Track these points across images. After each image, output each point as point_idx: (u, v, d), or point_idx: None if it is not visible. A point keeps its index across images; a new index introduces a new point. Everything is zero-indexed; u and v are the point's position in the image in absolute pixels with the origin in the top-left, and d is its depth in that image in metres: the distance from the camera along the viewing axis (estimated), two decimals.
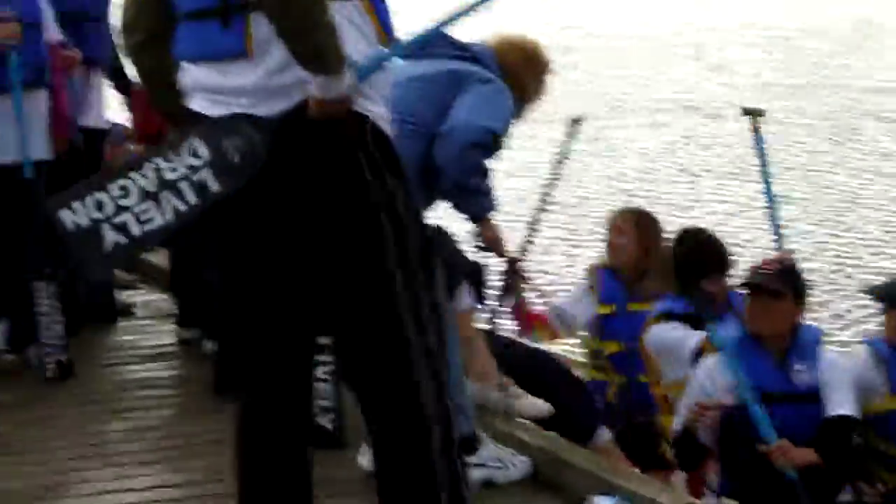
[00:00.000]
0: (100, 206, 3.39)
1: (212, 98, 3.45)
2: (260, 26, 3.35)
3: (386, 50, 3.49)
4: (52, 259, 5.88)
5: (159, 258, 7.40)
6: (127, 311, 6.96)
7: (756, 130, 5.86)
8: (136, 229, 3.40)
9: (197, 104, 3.49)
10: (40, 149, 5.88)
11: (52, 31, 5.97)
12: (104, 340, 6.63)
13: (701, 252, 5.46)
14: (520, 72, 4.91)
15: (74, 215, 3.41)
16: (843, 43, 20.06)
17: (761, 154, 5.87)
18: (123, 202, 3.39)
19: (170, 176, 3.38)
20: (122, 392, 5.87)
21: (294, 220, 3.42)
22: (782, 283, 4.83)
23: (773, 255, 5.45)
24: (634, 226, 5.83)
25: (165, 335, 6.56)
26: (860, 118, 14.19)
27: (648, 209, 6.38)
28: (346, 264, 3.42)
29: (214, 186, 3.37)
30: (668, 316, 5.38)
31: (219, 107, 3.42)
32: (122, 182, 3.40)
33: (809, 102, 15.12)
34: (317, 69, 3.28)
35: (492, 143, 4.62)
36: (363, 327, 3.45)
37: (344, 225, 3.40)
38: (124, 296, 7.11)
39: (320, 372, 4.51)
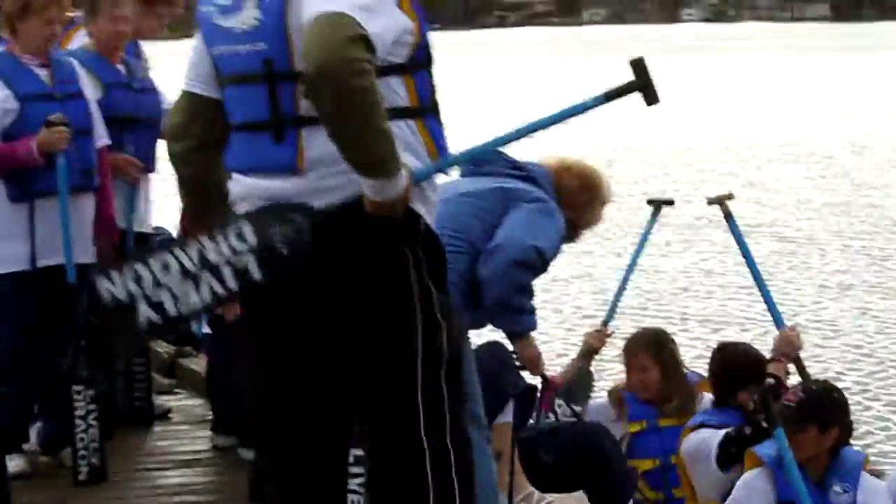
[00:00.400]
0: (139, 279, 3.40)
1: (259, 203, 3.47)
2: (312, 141, 3.40)
3: (441, 160, 3.54)
4: (92, 363, 5.89)
5: (197, 363, 7.43)
6: (164, 415, 6.95)
7: (728, 217, 5.89)
8: (171, 309, 3.40)
9: (243, 209, 3.51)
10: (85, 252, 5.90)
11: (101, 136, 6.01)
12: (140, 445, 6.62)
13: (737, 365, 5.47)
14: (575, 196, 4.93)
15: (113, 286, 3.41)
16: (887, 162, 20.06)
17: (738, 237, 5.93)
18: (163, 279, 3.39)
19: (212, 257, 3.38)
20: (155, 498, 5.84)
21: (328, 307, 3.43)
22: (803, 415, 4.80)
23: (796, 386, 5.41)
24: (654, 359, 5.79)
25: (201, 441, 6.54)
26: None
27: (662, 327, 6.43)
28: (374, 353, 3.44)
29: (256, 274, 3.37)
30: (702, 426, 5.37)
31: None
32: (164, 258, 3.41)
33: (847, 220, 15.11)
34: (373, 175, 3.30)
35: (538, 262, 4.63)
36: (380, 419, 3.49)
37: (377, 314, 3.43)
38: (161, 400, 7.10)
39: (353, 484, 4.51)
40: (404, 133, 3.44)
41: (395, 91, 3.44)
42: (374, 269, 3.39)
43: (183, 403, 7.28)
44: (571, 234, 4.91)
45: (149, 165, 6.51)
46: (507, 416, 4.96)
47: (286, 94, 3.42)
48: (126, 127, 6.31)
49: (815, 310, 11.12)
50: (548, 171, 4.86)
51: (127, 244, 6.34)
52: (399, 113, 3.42)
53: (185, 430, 6.83)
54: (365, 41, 3.25)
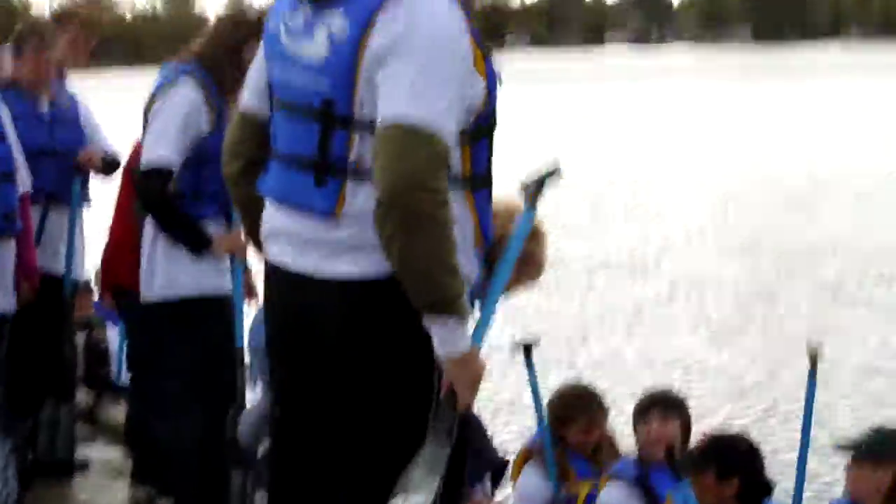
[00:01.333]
0: None
1: (289, 244, 3.35)
2: (356, 194, 3.20)
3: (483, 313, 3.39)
4: (11, 413, 5.90)
5: (117, 411, 7.46)
6: (83, 466, 6.92)
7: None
8: None
9: (275, 249, 3.42)
10: (6, 302, 5.82)
11: (24, 181, 5.92)
12: (58, 496, 6.60)
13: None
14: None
15: None
16: (791, 200, 19.76)
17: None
18: None
19: None
20: None
21: (346, 371, 3.30)
22: (702, 459, 4.88)
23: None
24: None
25: (121, 491, 6.49)
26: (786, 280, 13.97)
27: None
28: (384, 423, 3.31)
29: None
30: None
31: (298, 255, 3.31)
32: None
33: (742, 261, 14.95)
34: (437, 312, 3.09)
35: None
36: (371, 488, 3.34)
37: (395, 387, 3.28)
38: (81, 449, 7.04)
39: None
40: (455, 202, 3.16)
41: None
42: (398, 343, 3.24)
43: (102, 453, 7.26)
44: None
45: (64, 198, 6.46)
46: (486, 488, 5.18)
47: (339, 140, 3.19)
48: (38, 159, 6.19)
49: (703, 353, 10.89)
50: None
51: (65, 290, 6.37)
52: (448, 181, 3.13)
53: (104, 480, 6.82)
54: (446, 161, 3.07)
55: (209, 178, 5.15)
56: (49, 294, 6.30)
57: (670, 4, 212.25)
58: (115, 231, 5.97)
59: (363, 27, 3.12)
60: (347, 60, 3.13)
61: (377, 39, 3.11)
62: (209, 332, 5.42)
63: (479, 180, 3.28)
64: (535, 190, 3.42)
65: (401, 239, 3.03)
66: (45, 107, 6.45)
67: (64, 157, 6.43)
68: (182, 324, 5.42)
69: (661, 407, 5.25)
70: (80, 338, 7.61)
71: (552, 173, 3.42)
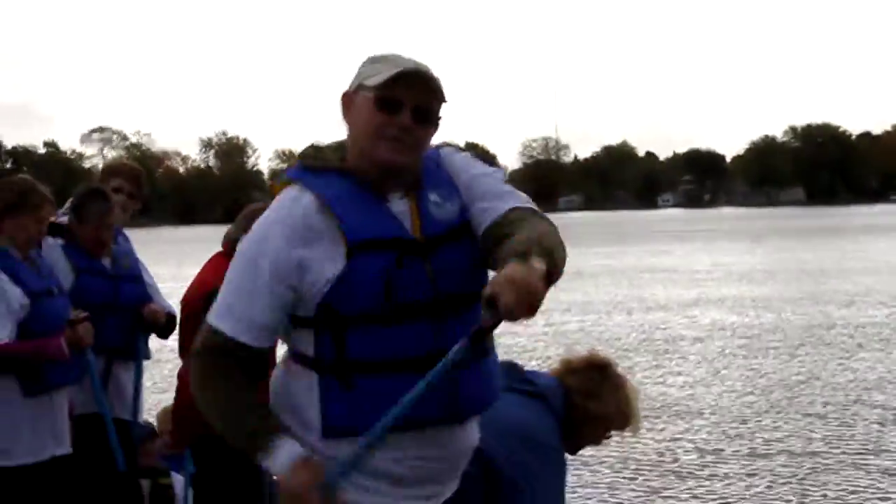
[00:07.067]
0: None
1: None
2: None
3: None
4: None
5: None
6: None
7: None
8: None
9: None
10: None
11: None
12: None
13: None
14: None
15: None
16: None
17: None
18: None
19: None
20: None
21: None
22: None
23: None
24: None
25: None
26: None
27: None
28: None
29: None
30: None
31: None
32: None
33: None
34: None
35: None
36: None
37: None
38: None
39: None
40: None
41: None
42: None
43: None
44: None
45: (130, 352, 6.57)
46: None
47: None
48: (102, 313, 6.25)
49: None
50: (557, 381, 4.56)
51: (108, 431, 6.28)
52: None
53: None
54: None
55: None
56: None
57: (723, 162, 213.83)
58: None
59: None
60: None
61: None
62: None
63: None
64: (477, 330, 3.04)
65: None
66: (107, 262, 6.55)
67: (127, 313, 6.53)
68: None
69: None
70: (144, 485, 7.56)
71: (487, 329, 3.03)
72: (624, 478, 10.35)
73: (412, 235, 3.23)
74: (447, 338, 3.12)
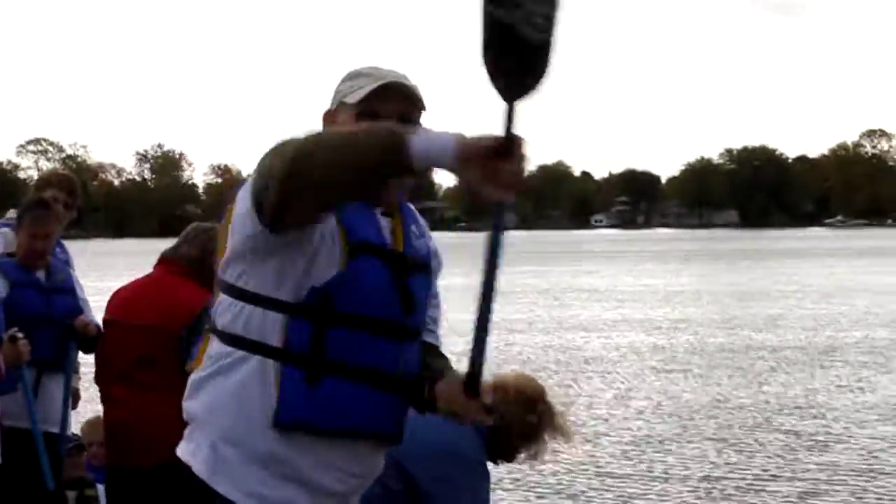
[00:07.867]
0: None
1: None
2: None
3: None
4: None
5: None
6: None
7: None
8: None
9: None
10: None
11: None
12: None
13: None
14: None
15: None
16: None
17: None
18: None
19: None
20: None
21: None
22: None
23: None
24: None
25: None
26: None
27: None
28: None
29: None
30: None
31: None
32: None
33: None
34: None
35: None
36: None
37: None
38: None
39: None
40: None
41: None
42: None
43: None
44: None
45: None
46: None
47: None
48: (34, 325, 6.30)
49: None
50: None
51: (39, 452, 6.36)
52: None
53: None
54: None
55: None
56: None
57: (659, 183, 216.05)
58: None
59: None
60: None
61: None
62: None
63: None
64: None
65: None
66: (42, 274, 6.57)
67: (59, 325, 6.52)
68: None
69: None
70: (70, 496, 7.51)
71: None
72: (517, 500, 10.24)
73: (400, 250, 3.23)
74: (405, 361, 3.20)
